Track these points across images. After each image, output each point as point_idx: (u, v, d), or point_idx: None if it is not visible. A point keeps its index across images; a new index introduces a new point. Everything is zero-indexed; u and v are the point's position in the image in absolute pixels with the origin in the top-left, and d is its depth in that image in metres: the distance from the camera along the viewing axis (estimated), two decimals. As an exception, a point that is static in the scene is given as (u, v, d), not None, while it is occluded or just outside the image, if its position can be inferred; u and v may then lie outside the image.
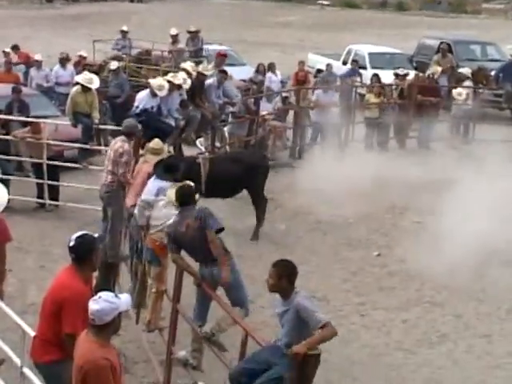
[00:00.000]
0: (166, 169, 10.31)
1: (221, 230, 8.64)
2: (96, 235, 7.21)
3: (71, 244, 6.92)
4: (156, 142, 11.31)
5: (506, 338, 11.07)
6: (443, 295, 12.31)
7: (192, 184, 9.32)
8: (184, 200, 8.89)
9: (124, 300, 6.05)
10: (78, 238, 6.95)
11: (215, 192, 13.69)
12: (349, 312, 11.69)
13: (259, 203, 14.30)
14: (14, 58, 22.90)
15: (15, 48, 23.41)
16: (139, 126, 12.62)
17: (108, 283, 10.62)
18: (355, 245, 14.20)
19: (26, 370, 7.35)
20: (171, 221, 9.35)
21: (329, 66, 23.48)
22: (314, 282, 12.45)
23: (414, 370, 10.20)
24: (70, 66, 21.28)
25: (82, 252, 6.89)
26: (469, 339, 11.04)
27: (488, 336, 11.14)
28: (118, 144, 11.85)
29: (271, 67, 22.51)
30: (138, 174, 10.94)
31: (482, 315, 11.72)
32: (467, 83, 21.84)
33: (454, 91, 21.02)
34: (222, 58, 18.42)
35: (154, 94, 14.68)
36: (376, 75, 21.39)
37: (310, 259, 13.34)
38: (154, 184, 10.17)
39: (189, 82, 15.96)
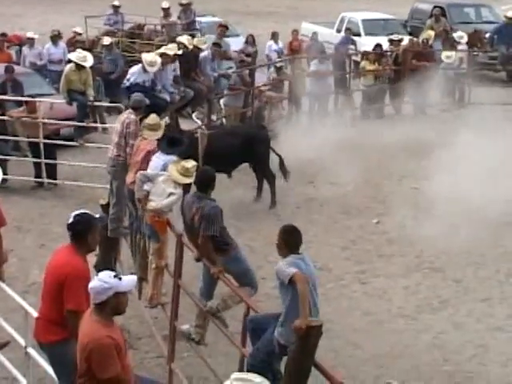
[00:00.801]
0: (170, 143, 10.33)
1: (212, 236, 8.46)
2: (96, 215, 7.21)
3: (69, 221, 6.93)
4: (152, 118, 11.27)
5: (505, 300, 11.13)
6: (443, 260, 12.36)
7: (212, 170, 9.18)
8: (202, 186, 8.75)
9: (124, 281, 6.02)
10: (77, 215, 6.96)
11: (214, 167, 13.54)
12: (350, 280, 11.75)
13: (266, 175, 14.45)
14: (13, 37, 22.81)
15: (3, 35, 23.04)
16: (146, 100, 12.57)
17: (109, 260, 10.64)
18: (353, 213, 14.22)
19: (31, 350, 7.39)
20: (174, 197, 9.37)
21: (314, 34, 23.42)
22: (314, 252, 12.40)
23: (415, 336, 10.26)
24: (61, 44, 21.12)
25: (79, 230, 6.89)
26: (469, 303, 11.10)
27: (488, 299, 11.20)
28: (125, 115, 11.90)
29: (274, 36, 22.45)
30: (137, 152, 10.92)
31: (482, 279, 11.78)
32: (462, 47, 21.76)
33: (443, 54, 20.90)
34: (222, 28, 18.35)
35: (145, 70, 14.61)
36: (379, 45, 21.20)
37: (308, 229, 13.26)
38: (159, 159, 10.16)
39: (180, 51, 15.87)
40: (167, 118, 15.04)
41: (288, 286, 6.85)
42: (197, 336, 8.92)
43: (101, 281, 5.94)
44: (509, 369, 9.51)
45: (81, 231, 6.88)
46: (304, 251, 7.23)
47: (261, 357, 7.26)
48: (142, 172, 10.02)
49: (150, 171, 10.06)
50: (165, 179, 9.62)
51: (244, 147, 14.13)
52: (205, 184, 8.75)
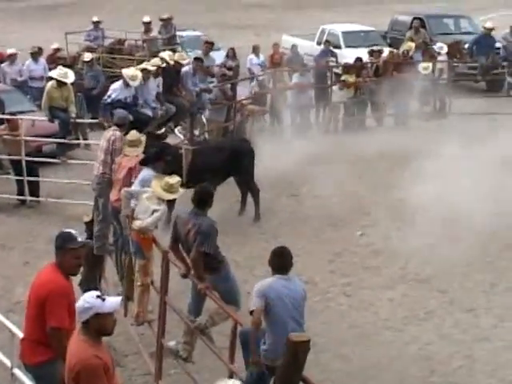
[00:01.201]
0: (154, 158, 10.42)
1: (205, 253, 8.51)
2: (79, 238, 7.12)
3: (58, 242, 6.97)
4: (132, 134, 11.27)
5: (491, 310, 11.17)
6: (428, 271, 12.37)
7: (211, 187, 9.32)
8: (200, 202, 8.75)
9: (108, 302, 5.97)
10: (60, 233, 7.02)
11: (199, 181, 13.53)
12: (335, 293, 11.76)
13: (250, 188, 14.52)
14: None
15: None
16: (129, 117, 12.63)
17: (93, 277, 10.61)
18: (338, 225, 14.22)
19: (17, 371, 7.34)
20: (158, 214, 9.37)
21: (294, 46, 23.48)
22: (300, 265, 12.34)
23: (402, 348, 10.28)
24: (42, 60, 21.00)
25: (55, 246, 6.95)
26: (455, 314, 11.12)
27: (474, 310, 11.23)
28: (110, 132, 11.95)
29: (255, 50, 22.49)
30: (119, 169, 10.90)
31: (467, 289, 11.80)
32: (442, 57, 21.90)
33: (420, 65, 21.01)
34: (208, 45, 18.33)
35: (127, 84, 14.58)
36: (360, 59, 21.31)
37: (293, 242, 13.21)
38: (145, 174, 10.27)
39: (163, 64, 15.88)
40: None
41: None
42: (184, 353, 8.90)
43: (83, 300, 5.93)
44: (495, 379, 9.53)
45: (56, 247, 6.94)
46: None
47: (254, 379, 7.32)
48: (125, 189, 10.00)
49: (133, 188, 10.05)
50: (148, 196, 9.61)
51: (229, 161, 14.19)
52: (203, 201, 8.78)
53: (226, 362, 7.78)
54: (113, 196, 10.74)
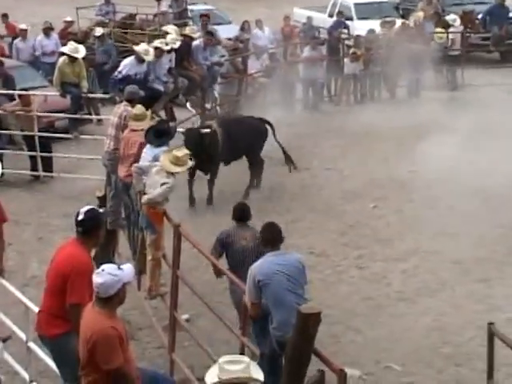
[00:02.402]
0: (157, 134, 10.28)
1: None
2: (101, 210, 7.25)
3: (80, 218, 6.94)
4: (138, 108, 11.22)
5: (504, 281, 11.14)
6: (440, 242, 12.34)
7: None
8: (244, 216, 9.21)
9: (127, 271, 6.09)
10: (87, 212, 6.98)
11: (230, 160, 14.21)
12: (348, 266, 11.76)
13: (258, 165, 14.47)
14: (2, 29, 22.77)
15: (5, 17, 23.06)
16: (140, 92, 12.58)
17: (107, 252, 10.64)
18: (351, 198, 14.20)
19: (32, 345, 7.41)
20: (166, 186, 9.39)
21: (309, 18, 23.36)
22: (312, 238, 12.52)
23: (415, 319, 10.28)
24: (54, 35, 20.97)
25: (90, 226, 6.94)
26: (468, 285, 11.11)
27: (487, 280, 11.21)
28: (122, 108, 11.89)
29: (258, 24, 22.33)
30: (129, 144, 10.87)
31: (480, 260, 11.76)
32: (455, 29, 21.75)
33: (436, 35, 20.93)
34: (204, 18, 18.23)
35: (139, 61, 14.55)
36: (372, 30, 21.24)
37: (306, 215, 13.38)
38: (148, 152, 10.15)
39: (178, 43, 15.85)
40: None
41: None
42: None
43: (110, 274, 5.96)
44: (508, 349, 9.52)
45: (91, 228, 6.93)
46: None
47: (267, 362, 7.36)
48: (136, 165, 10.01)
49: (142, 163, 10.06)
50: (157, 170, 9.61)
51: (249, 139, 14.20)
52: (246, 212, 9.39)
53: (239, 335, 7.82)
54: (122, 172, 10.73)
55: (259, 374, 5.38)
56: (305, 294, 7.37)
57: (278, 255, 7.41)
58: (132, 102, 11.93)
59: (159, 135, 10.27)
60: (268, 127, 14.48)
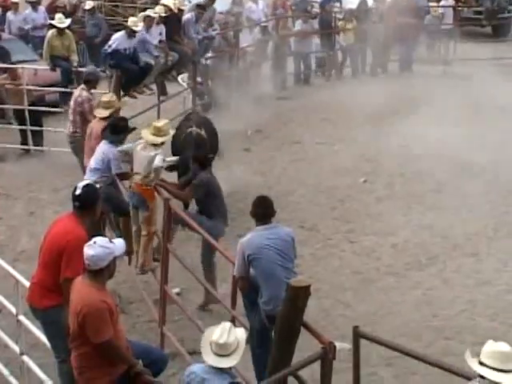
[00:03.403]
0: (113, 131, 9.87)
1: None
2: (98, 186, 7.27)
3: (77, 192, 6.95)
4: (107, 95, 11.07)
5: (493, 256, 11.22)
6: (430, 217, 12.41)
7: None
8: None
9: (118, 245, 6.17)
10: (85, 187, 7.00)
11: None
12: (338, 240, 11.80)
13: None
14: None
15: None
16: (100, 72, 12.59)
17: (98, 226, 10.63)
18: (341, 172, 14.22)
19: (22, 318, 7.44)
20: (160, 157, 9.36)
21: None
22: (302, 212, 12.55)
23: (404, 293, 10.34)
24: (41, 8, 20.78)
25: (87, 201, 6.95)
26: (458, 259, 11.18)
27: (476, 255, 11.30)
28: (77, 93, 12.11)
29: (252, -4, 22.19)
30: (90, 135, 10.56)
31: (470, 235, 11.84)
32: (445, 2, 21.71)
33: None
34: (200, 10, 17.74)
35: (130, 35, 14.50)
36: (365, 2, 21.21)
37: (296, 189, 13.40)
38: (100, 149, 9.75)
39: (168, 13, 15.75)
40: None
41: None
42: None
43: (102, 247, 6.00)
44: (496, 322, 9.62)
45: (88, 203, 6.93)
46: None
47: (257, 336, 7.44)
48: (118, 149, 9.77)
49: (125, 146, 9.83)
50: (142, 146, 9.59)
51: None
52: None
53: (229, 308, 7.87)
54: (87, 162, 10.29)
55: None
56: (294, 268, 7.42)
57: (268, 229, 7.39)
58: (90, 82, 12.02)
59: (115, 132, 9.86)
60: None
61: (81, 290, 6.07)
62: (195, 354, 8.68)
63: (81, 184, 7.05)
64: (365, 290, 10.41)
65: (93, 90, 12.70)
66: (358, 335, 6.32)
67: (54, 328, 6.88)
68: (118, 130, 9.87)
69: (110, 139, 9.77)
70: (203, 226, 8.81)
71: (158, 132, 9.55)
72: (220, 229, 9.59)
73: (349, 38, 20.30)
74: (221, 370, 5.72)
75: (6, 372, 7.69)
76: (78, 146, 11.76)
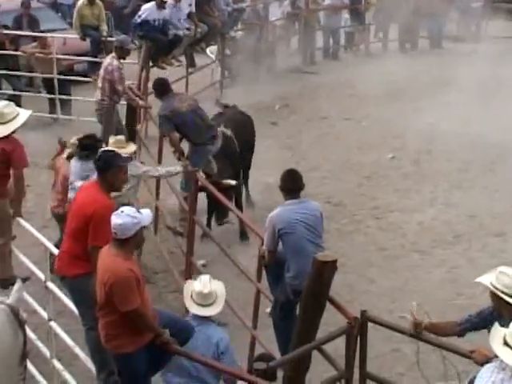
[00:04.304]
0: (83, 148, 9.24)
1: None
2: (123, 155, 7.28)
3: (96, 157, 7.03)
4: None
5: (519, 235, 11.19)
6: (457, 195, 12.37)
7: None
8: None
9: (145, 214, 6.15)
10: (103, 152, 7.07)
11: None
12: (364, 216, 11.80)
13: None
14: None
15: None
16: (130, 41, 12.60)
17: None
18: (368, 148, 14.18)
19: (50, 284, 7.51)
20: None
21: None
22: (329, 188, 12.54)
23: (429, 271, 10.35)
24: (70, -23, 20.97)
25: (102, 167, 6.94)
26: (483, 238, 11.14)
27: (502, 234, 11.22)
28: (107, 61, 12.07)
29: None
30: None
31: (496, 214, 11.76)
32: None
33: None
34: None
35: (159, 7, 14.49)
36: None
37: (323, 165, 13.38)
38: (73, 164, 9.28)
39: None
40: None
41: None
42: (181, 228, 9.66)
43: (130, 216, 5.99)
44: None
45: (101, 168, 6.94)
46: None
47: (280, 308, 7.53)
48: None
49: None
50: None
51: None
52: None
53: (254, 281, 7.90)
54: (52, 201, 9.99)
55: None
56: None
57: (298, 203, 7.38)
58: (120, 51, 12.00)
59: (85, 149, 9.28)
60: None
61: (108, 260, 6.09)
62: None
63: (101, 149, 7.15)
64: (390, 266, 10.43)
65: (122, 61, 12.71)
66: (365, 319, 6.28)
67: (82, 296, 6.92)
68: (87, 147, 9.23)
69: (80, 155, 9.25)
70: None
71: (120, 144, 9.25)
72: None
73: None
74: (206, 318, 6.45)
75: (33, 337, 7.77)
76: (105, 113, 11.87)
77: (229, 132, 11.17)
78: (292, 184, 7.48)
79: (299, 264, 7.18)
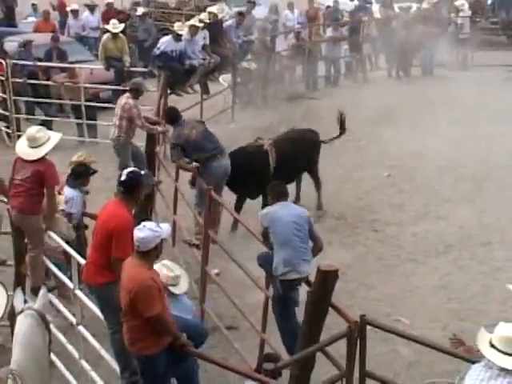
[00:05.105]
0: (74, 176, 9.57)
1: None
2: (143, 172, 7.32)
3: (123, 178, 7.00)
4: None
5: (505, 245, 11.07)
6: (448, 208, 12.31)
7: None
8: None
9: (164, 228, 6.25)
10: (129, 173, 7.06)
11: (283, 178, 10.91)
12: (364, 228, 11.76)
13: (318, 180, 12.32)
14: (59, 2, 23.21)
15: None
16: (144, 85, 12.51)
17: (146, 211, 10.70)
18: (367, 166, 14.14)
19: (78, 292, 7.51)
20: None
21: (335, 2, 23.19)
22: (331, 202, 12.50)
23: (423, 278, 10.29)
24: (97, 13, 21.18)
25: (131, 187, 6.99)
26: (472, 248, 11.08)
27: (488, 244, 11.17)
28: (124, 100, 11.90)
29: (289, 6, 22.15)
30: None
31: (483, 225, 11.71)
32: (464, 13, 21.55)
33: (457, 2, 21.15)
34: (240, 17, 17.23)
35: (176, 39, 14.55)
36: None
37: (326, 182, 13.32)
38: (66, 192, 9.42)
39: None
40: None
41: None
42: (197, 241, 9.72)
43: (151, 230, 6.06)
44: (506, 306, 9.53)
45: (132, 187, 6.98)
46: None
47: (277, 309, 7.70)
48: None
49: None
50: None
51: (307, 152, 12.16)
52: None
53: (263, 288, 7.88)
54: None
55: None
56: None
57: (285, 205, 7.79)
58: (134, 92, 11.86)
59: (76, 177, 9.61)
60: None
61: (131, 270, 6.12)
62: (232, 328, 8.76)
63: (126, 171, 7.13)
64: (387, 274, 10.38)
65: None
66: (364, 322, 6.25)
67: (107, 302, 6.93)
68: (77, 175, 9.58)
69: (73, 184, 9.46)
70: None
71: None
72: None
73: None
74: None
75: (63, 339, 7.76)
76: (121, 148, 11.85)
77: (266, 147, 11.41)
78: (281, 191, 7.92)
79: (286, 254, 7.47)
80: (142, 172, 7.34)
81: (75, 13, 20.91)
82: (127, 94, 11.97)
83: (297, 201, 11.75)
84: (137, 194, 7.04)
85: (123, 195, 6.99)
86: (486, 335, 5.01)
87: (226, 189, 10.95)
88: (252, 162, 11.21)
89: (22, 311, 5.71)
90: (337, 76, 20.21)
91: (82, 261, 7.34)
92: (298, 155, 11.78)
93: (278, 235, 7.55)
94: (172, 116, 10.80)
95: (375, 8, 21.74)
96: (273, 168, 11.36)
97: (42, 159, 8.29)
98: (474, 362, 5.17)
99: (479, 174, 13.17)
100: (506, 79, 18.46)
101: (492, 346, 4.94)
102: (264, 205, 10.03)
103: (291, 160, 11.53)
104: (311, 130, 12.58)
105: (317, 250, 7.79)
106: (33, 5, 22.31)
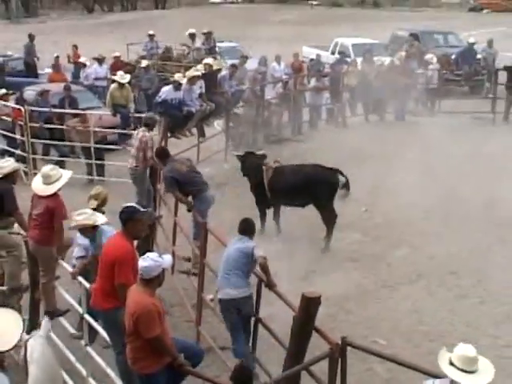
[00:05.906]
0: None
1: None
2: (142, 209, 7.31)
3: (120, 212, 7.04)
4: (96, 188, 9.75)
5: (470, 273, 11.10)
6: (419, 240, 12.31)
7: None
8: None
9: (166, 259, 6.27)
10: (125, 207, 7.10)
11: (279, 201, 12.29)
12: (344, 258, 11.75)
13: (327, 217, 12.17)
14: (74, 55, 23.80)
15: (75, 47, 24.40)
16: (156, 117, 12.72)
17: (148, 243, 10.66)
18: (346, 202, 14.10)
19: (86, 316, 7.46)
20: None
21: (317, 55, 23.45)
22: (314, 234, 12.47)
23: (397, 303, 10.30)
24: (104, 65, 21.35)
25: (125, 219, 7.03)
26: (441, 276, 11.08)
27: (456, 272, 11.19)
28: (141, 134, 12.13)
29: (277, 59, 22.31)
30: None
31: (451, 255, 11.71)
32: (433, 66, 21.81)
33: (427, 56, 21.58)
34: (233, 69, 17.46)
35: (176, 88, 14.63)
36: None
37: (307, 216, 13.31)
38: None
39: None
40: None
41: None
42: (195, 270, 9.76)
43: (153, 260, 6.05)
44: (471, 328, 9.54)
45: (125, 220, 6.97)
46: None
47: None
48: None
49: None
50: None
51: (310, 187, 12.03)
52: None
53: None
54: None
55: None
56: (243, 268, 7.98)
57: (239, 240, 8.09)
58: (149, 125, 12.17)
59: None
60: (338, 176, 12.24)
61: (135, 296, 6.11)
62: (225, 349, 8.70)
63: (124, 205, 7.19)
64: (364, 299, 10.36)
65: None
66: (345, 344, 6.20)
67: (113, 325, 6.90)
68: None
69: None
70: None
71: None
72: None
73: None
74: None
75: (73, 359, 7.69)
76: (138, 177, 12.04)
77: (267, 165, 12.33)
78: (242, 226, 8.21)
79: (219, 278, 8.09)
80: (142, 209, 7.31)
81: (80, 64, 21.18)
82: (143, 128, 12.14)
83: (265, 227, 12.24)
84: (130, 227, 6.98)
85: (123, 228, 7.00)
86: (446, 354, 5.05)
87: (215, 214, 11.00)
88: (250, 168, 12.37)
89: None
90: (319, 121, 20.29)
91: (88, 285, 7.30)
92: (299, 186, 11.98)
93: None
94: (163, 154, 11.06)
95: (358, 60, 21.84)
96: (267, 186, 12.14)
97: (54, 196, 8.34)
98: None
99: (446, 209, 13.18)
100: (469, 124, 18.62)
101: (451, 364, 4.97)
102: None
103: (290, 188, 12.03)
104: (331, 169, 12.40)
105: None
106: (56, 57, 22.50)
